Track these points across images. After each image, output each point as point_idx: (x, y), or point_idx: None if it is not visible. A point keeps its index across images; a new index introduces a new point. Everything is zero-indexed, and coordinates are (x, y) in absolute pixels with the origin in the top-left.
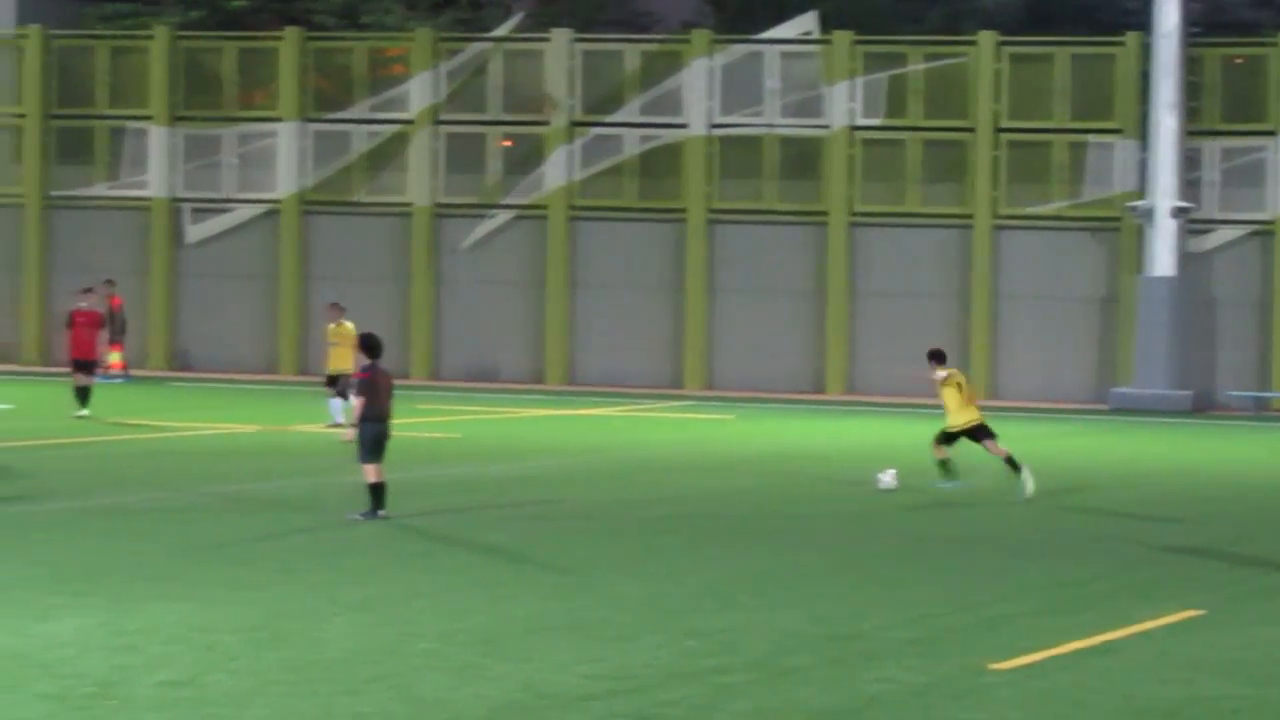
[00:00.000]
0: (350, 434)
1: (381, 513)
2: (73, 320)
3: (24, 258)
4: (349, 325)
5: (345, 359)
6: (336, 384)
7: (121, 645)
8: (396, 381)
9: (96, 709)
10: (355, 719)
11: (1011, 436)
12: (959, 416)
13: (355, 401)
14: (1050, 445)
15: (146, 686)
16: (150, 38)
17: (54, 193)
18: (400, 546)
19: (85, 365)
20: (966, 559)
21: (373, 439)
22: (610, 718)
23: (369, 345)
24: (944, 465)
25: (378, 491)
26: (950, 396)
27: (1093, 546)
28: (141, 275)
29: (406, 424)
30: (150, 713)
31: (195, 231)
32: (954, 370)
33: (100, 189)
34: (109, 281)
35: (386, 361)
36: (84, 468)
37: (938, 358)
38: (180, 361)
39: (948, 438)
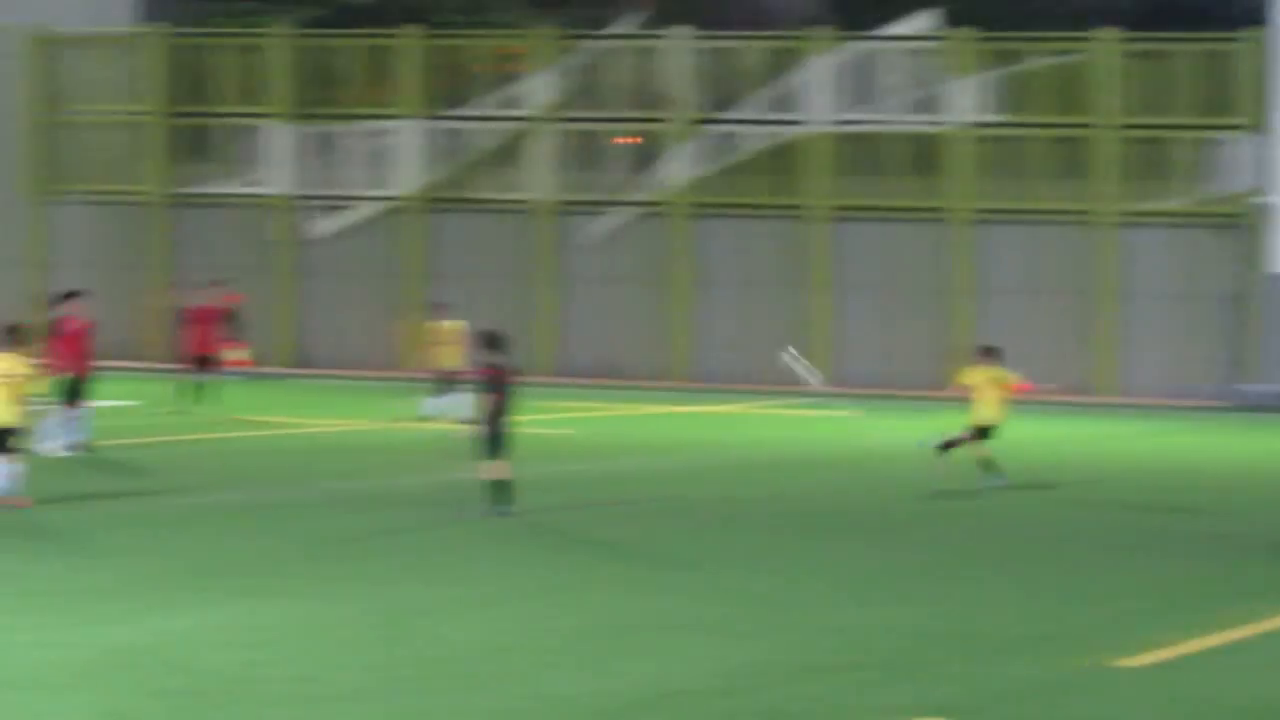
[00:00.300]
0: (472, 430)
1: (507, 509)
2: (190, 316)
3: (147, 255)
4: (454, 324)
5: (451, 357)
6: (442, 382)
7: (249, 640)
8: (519, 378)
9: (225, 704)
10: (483, 715)
11: (1136, 433)
12: (998, 415)
13: (478, 398)
14: (1174, 442)
15: (275, 682)
16: (272, 35)
17: (176, 190)
18: (526, 542)
19: (203, 361)
20: (1087, 556)
21: (495, 436)
22: (739, 714)
23: (492, 342)
24: (989, 463)
25: (502, 488)
26: (997, 394)
27: (1218, 543)
28: (263, 273)
29: (530, 420)
30: (279, 707)
31: (317, 229)
32: (1007, 372)
33: (222, 187)
34: (224, 280)
35: (509, 358)
36: (209, 464)
37: (992, 354)
38: (302, 359)
39: (981, 433)
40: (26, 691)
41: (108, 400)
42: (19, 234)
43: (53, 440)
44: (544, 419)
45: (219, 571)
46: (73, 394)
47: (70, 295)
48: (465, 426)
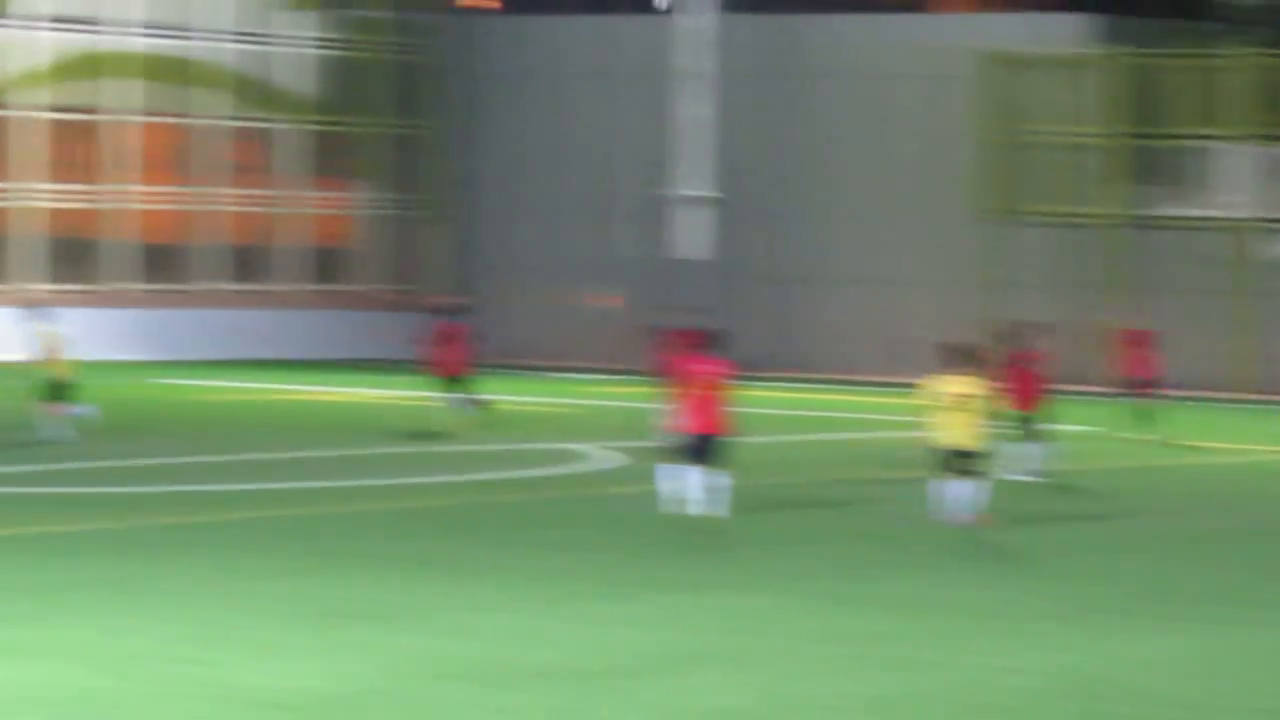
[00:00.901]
0: None
1: None
2: (1124, 339)
3: (1101, 278)
4: None
5: None
6: None
7: (1208, 670)
8: None
9: None
10: None
11: None
12: None
13: None
14: None
15: (1238, 713)
16: (1232, 55)
17: (1131, 212)
18: None
19: (1142, 384)
20: None
21: None
22: None
23: None
24: None
25: None
26: None
27: None
28: (1222, 295)
29: None
30: None
31: (1275, 251)
32: None
33: (1178, 209)
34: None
35: None
36: (1162, 489)
37: None
38: (1263, 382)
39: None
40: (986, 715)
41: (1066, 425)
42: (973, 254)
43: (1013, 468)
44: None
45: (1175, 599)
46: (1028, 427)
47: (1029, 327)
48: None
